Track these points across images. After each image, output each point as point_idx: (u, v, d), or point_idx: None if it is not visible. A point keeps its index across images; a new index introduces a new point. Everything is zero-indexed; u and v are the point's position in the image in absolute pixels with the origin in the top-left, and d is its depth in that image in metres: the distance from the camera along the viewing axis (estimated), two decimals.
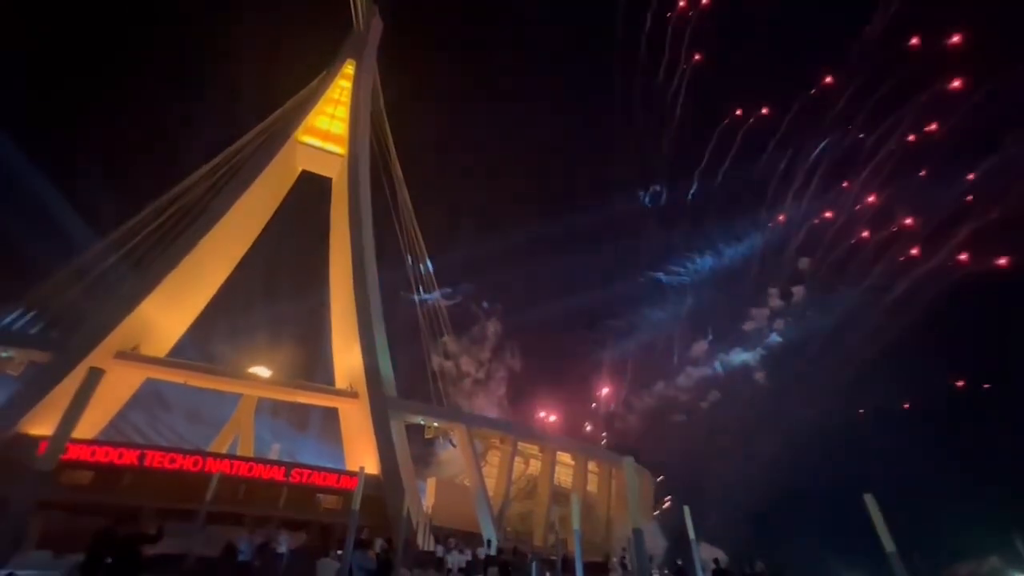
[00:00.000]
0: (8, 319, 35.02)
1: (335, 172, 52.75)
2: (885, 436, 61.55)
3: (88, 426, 34.49)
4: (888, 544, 9.96)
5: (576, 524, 17.75)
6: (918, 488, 54.23)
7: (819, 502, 59.17)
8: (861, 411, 60.73)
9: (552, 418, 54.10)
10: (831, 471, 59.39)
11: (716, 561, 17.51)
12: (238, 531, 22.66)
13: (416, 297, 50.11)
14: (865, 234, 63.39)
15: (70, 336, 33.86)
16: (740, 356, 65.16)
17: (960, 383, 59.86)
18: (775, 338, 64.09)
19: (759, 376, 64.66)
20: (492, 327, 60.28)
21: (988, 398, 59.24)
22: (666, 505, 52.67)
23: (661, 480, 55.36)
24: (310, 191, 55.01)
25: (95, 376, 6.32)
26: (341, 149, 52.27)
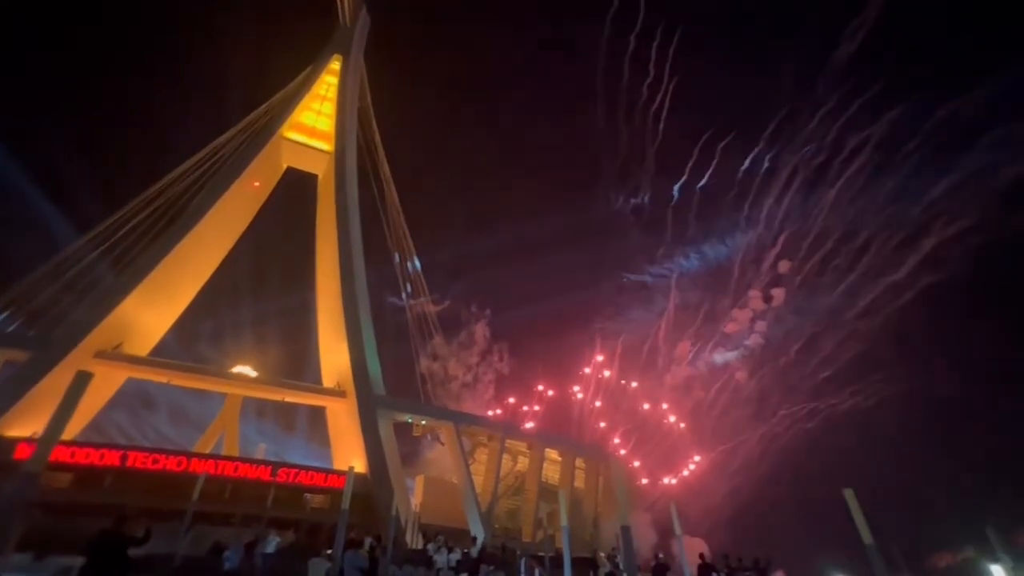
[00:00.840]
0: None
1: (321, 169, 52.27)
2: (862, 431, 63.13)
3: (67, 427, 33.82)
4: (866, 536, 10.27)
5: (564, 520, 17.94)
6: (895, 482, 55.76)
7: (800, 496, 60.55)
8: (838, 407, 62.27)
9: (547, 391, 54.42)
10: (811, 466, 60.88)
11: (701, 556, 17.83)
12: (225, 531, 22.47)
13: (404, 295, 49.97)
14: (840, 240, 64.92)
15: (49, 335, 33.14)
16: (723, 356, 66.41)
17: (936, 379, 61.74)
18: (756, 339, 65.43)
19: (740, 375, 65.92)
20: (479, 327, 60.36)
21: (963, 393, 61.01)
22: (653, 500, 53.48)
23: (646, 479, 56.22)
24: (296, 188, 54.54)
25: (83, 379, 6.26)
26: (327, 145, 51.80)
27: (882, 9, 59.97)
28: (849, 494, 10.74)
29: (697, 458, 56.88)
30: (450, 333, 55.38)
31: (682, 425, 58.63)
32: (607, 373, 60.29)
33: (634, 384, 60.61)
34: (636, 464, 54.04)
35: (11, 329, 34.26)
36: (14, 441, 28.06)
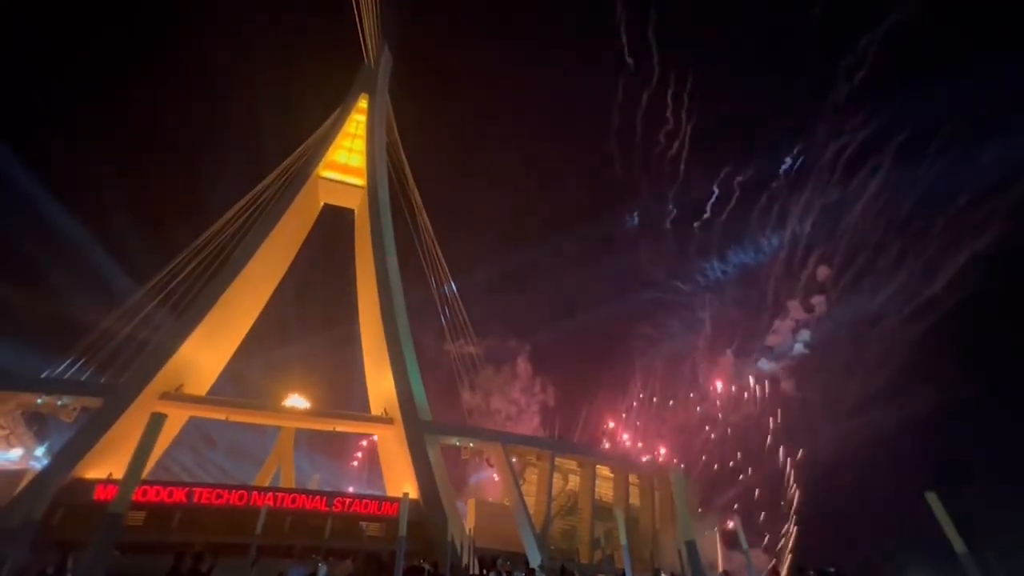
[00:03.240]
0: (61, 368, 36.82)
1: (356, 203, 54.17)
2: (949, 434, 58.58)
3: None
4: (958, 544, 9.47)
5: (623, 538, 17.41)
6: (986, 486, 51.38)
7: (885, 503, 56.87)
8: (919, 410, 58.32)
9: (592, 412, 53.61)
10: (891, 474, 57.21)
11: (775, 570, 16.86)
12: (286, 563, 22.95)
13: (443, 319, 50.50)
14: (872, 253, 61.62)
15: (118, 382, 35.28)
16: (768, 366, 64.13)
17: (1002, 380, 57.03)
18: (800, 348, 63.12)
19: (787, 385, 63.38)
20: (519, 351, 60.34)
21: None
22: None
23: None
24: (335, 223, 56.68)
25: (158, 421, 6.63)
26: (360, 181, 53.72)
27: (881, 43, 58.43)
28: (932, 498, 9.96)
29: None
30: (491, 356, 55.38)
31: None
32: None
33: (672, 401, 59.47)
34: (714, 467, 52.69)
35: (85, 378, 36.74)
36: (93, 483, 29.83)
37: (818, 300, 62.97)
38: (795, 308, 64.22)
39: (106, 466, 31.25)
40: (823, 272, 63.77)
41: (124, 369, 36.54)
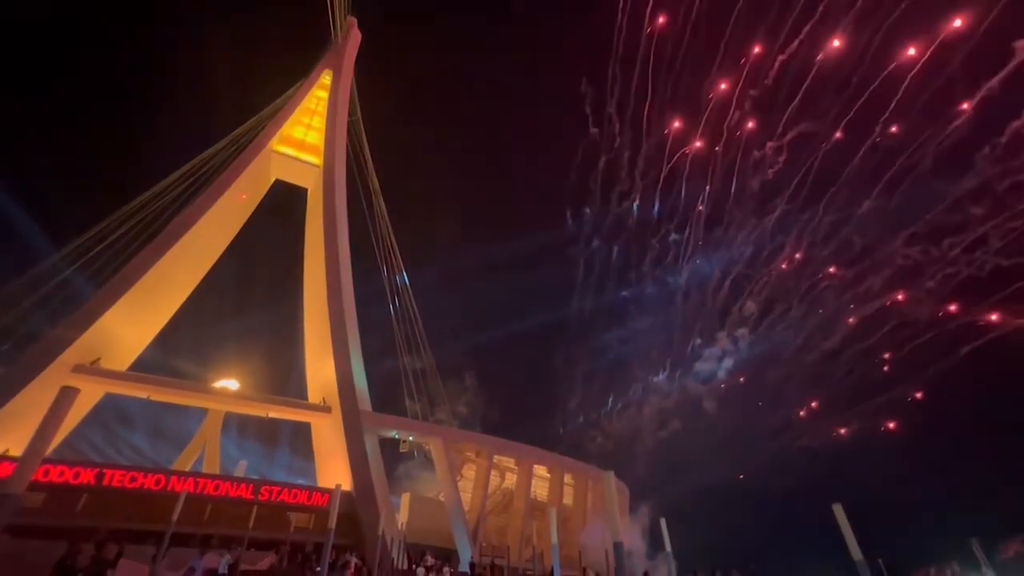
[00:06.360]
0: None
1: (310, 182, 52.17)
2: (851, 447, 64.35)
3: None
4: (856, 552, 10.34)
5: (554, 538, 17.74)
6: (881, 495, 56.63)
7: (788, 512, 61.62)
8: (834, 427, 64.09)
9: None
10: (798, 484, 62.13)
11: (695, 572, 17.75)
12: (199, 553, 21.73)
13: (391, 309, 49.54)
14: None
15: (25, 349, 32.21)
16: (696, 386, 69.33)
17: (919, 394, 63.29)
18: (725, 369, 69.02)
19: (711, 406, 68.91)
20: (467, 361, 60.50)
21: (948, 408, 62.30)
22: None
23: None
24: (285, 201, 54.34)
25: (68, 395, 6.11)
26: (317, 159, 51.78)
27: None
28: (838, 509, 10.83)
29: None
30: (438, 360, 54.51)
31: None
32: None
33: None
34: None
35: None
36: None
37: (742, 333, 69.31)
38: (721, 338, 70.46)
39: (1, 442, 28.45)
40: (749, 307, 70.04)
41: (35, 336, 33.40)
